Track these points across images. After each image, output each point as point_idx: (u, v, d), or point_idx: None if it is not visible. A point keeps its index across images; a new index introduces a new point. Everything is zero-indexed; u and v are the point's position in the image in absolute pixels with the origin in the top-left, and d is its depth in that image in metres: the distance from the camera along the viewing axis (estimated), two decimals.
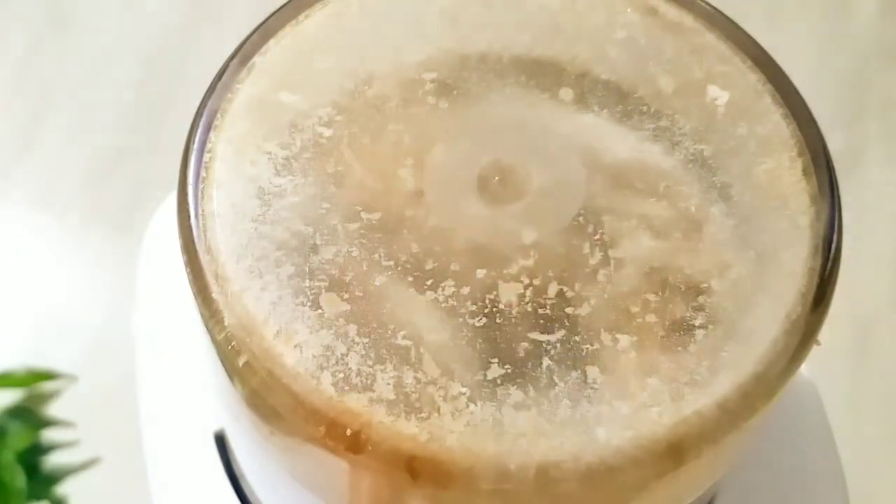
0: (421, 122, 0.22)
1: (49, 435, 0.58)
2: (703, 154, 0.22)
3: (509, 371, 0.19)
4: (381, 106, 0.22)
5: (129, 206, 0.63)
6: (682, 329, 0.20)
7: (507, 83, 0.23)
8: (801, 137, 0.22)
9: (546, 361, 0.19)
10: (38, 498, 0.56)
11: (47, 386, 0.59)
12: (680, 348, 0.20)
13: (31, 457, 0.57)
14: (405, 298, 0.20)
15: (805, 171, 0.22)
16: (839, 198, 0.21)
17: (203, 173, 0.21)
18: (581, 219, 0.21)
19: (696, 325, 0.20)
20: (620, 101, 0.22)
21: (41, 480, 0.56)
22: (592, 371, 0.19)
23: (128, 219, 0.63)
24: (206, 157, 0.21)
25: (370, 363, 0.19)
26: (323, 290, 0.20)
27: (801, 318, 0.20)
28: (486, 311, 0.20)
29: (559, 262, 0.20)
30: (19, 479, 0.55)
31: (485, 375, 0.19)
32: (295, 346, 0.19)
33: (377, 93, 0.22)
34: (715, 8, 0.24)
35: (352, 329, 0.20)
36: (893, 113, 0.67)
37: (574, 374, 0.19)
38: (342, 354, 0.19)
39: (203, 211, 0.21)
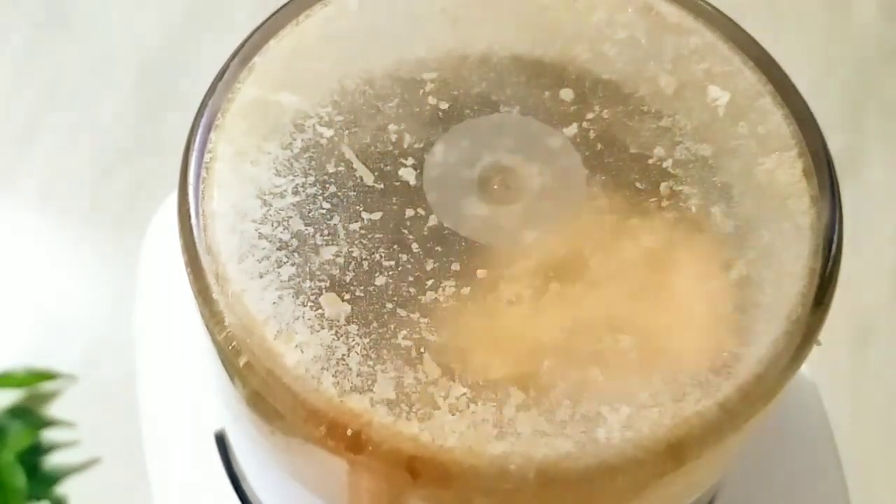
0: (421, 122, 0.22)
1: (49, 435, 0.58)
2: (703, 154, 0.22)
3: (510, 371, 0.19)
4: (381, 106, 0.22)
5: (129, 206, 0.63)
6: (682, 329, 0.20)
7: (507, 83, 0.23)
8: (802, 138, 0.22)
9: (547, 361, 0.19)
10: (38, 498, 0.56)
11: (47, 386, 0.59)
12: (680, 348, 0.20)
13: (31, 457, 0.57)
14: (405, 298, 0.20)
15: (805, 172, 0.22)
16: (839, 198, 0.21)
17: (204, 173, 0.21)
18: (581, 219, 0.21)
19: (697, 325, 0.20)
20: (621, 101, 0.22)
21: (41, 480, 0.56)
22: (593, 371, 0.19)
23: (128, 219, 0.63)
24: (207, 157, 0.21)
25: (371, 363, 0.19)
26: (323, 291, 0.20)
27: (802, 318, 0.20)
28: (486, 311, 0.20)
29: (559, 262, 0.20)
30: (19, 479, 0.55)
31: (485, 375, 0.19)
32: (295, 347, 0.19)
33: (377, 93, 0.22)
34: (715, 8, 0.24)
35: (352, 329, 0.20)
36: (893, 113, 0.67)
37: (575, 374, 0.19)
38: (343, 355, 0.19)
39: (204, 211, 0.21)
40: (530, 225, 0.21)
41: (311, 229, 0.21)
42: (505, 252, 0.21)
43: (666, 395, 0.19)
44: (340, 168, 0.21)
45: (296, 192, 0.21)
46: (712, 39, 0.23)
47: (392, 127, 0.22)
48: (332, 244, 0.20)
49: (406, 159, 0.22)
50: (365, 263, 0.20)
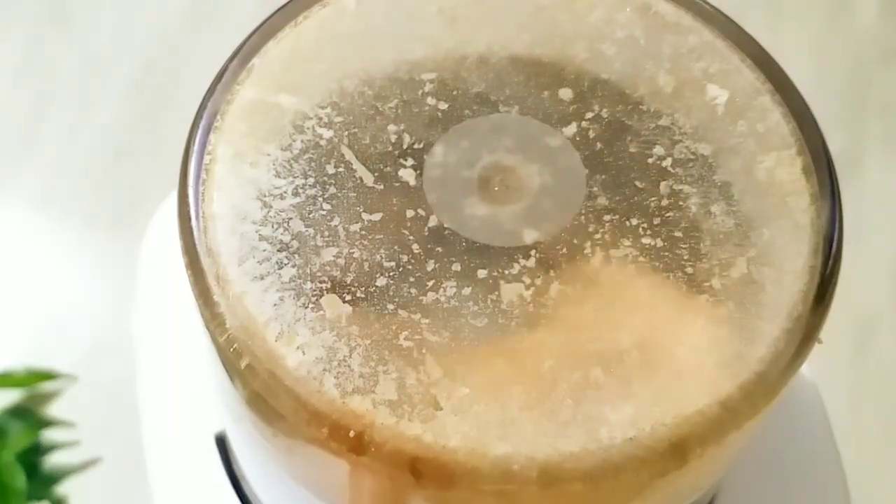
0: (421, 122, 0.22)
1: (49, 435, 0.58)
2: (703, 153, 0.22)
3: (512, 371, 0.19)
4: (381, 106, 0.22)
5: (129, 206, 0.63)
6: (683, 328, 0.20)
7: (506, 83, 0.23)
8: (801, 136, 0.22)
9: (548, 361, 0.19)
10: (38, 498, 0.56)
11: (47, 386, 0.59)
12: (681, 347, 0.20)
13: (31, 457, 0.57)
14: (406, 299, 0.20)
15: (805, 170, 0.22)
16: (839, 196, 0.21)
17: (203, 175, 0.21)
18: (582, 218, 0.21)
19: (698, 323, 0.20)
20: (620, 100, 0.22)
21: (41, 480, 0.56)
22: (595, 371, 0.19)
23: (128, 219, 0.63)
24: (207, 158, 0.21)
25: (372, 364, 0.19)
26: (324, 292, 0.20)
27: (803, 316, 0.20)
28: (487, 311, 0.20)
29: (560, 262, 0.20)
30: (19, 479, 0.55)
31: (487, 376, 0.19)
32: (297, 348, 0.19)
33: (377, 93, 0.22)
34: (714, 7, 0.24)
35: (354, 330, 0.20)
36: (893, 113, 0.67)
37: (576, 373, 0.19)
38: (344, 356, 0.19)
39: (204, 213, 0.21)
40: (531, 225, 0.21)
41: (311, 231, 0.21)
42: (505, 252, 0.21)
43: (667, 393, 0.19)
44: (340, 169, 0.21)
45: (296, 194, 0.21)
46: (711, 38, 0.23)
47: (391, 128, 0.22)
48: (333, 245, 0.20)
49: (406, 160, 0.22)
50: (365, 264, 0.20)
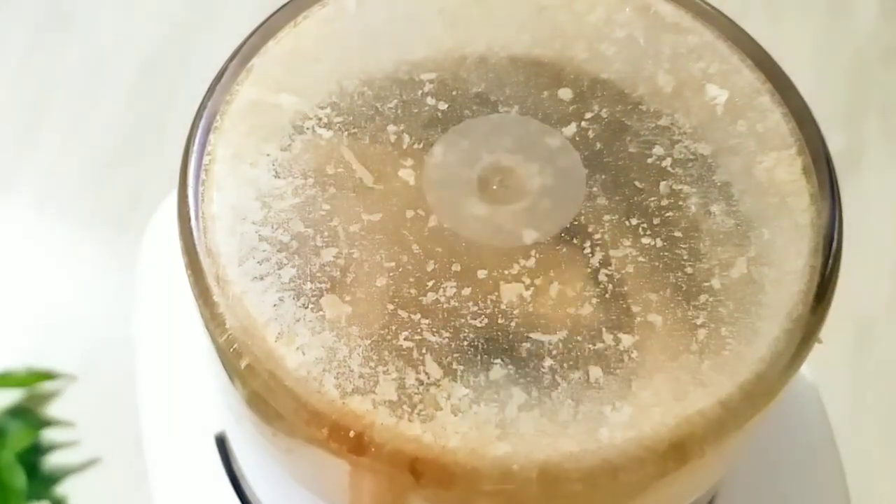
0: (421, 123, 0.22)
1: (49, 435, 0.58)
2: (702, 153, 0.22)
3: (511, 372, 0.19)
4: (380, 107, 0.22)
5: (129, 206, 0.63)
6: (683, 328, 0.20)
7: (505, 83, 0.23)
8: (801, 136, 0.22)
9: (548, 361, 0.19)
10: (38, 498, 0.56)
11: (47, 386, 0.59)
12: (681, 347, 0.20)
13: (31, 457, 0.57)
14: (406, 299, 0.20)
15: (805, 170, 0.22)
16: (839, 196, 0.21)
17: (203, 175, 0.21)
18: (582, 218, 0.21)
19: (698, 324, 0.20)
20: (620, 100, 0.22)
21: (41, 480, 0.56)
22: (594, 371, 0.19)
23: (128, 219, 0.62)
24: (206, 159, 0.21)
25: (372, 365, 0.19)
26: (324, 292, 0.20)
27: (803, 316, 0.20)
28: (487, 311, 0.20)
29: (560, 262, 0.20)
30: (19, 479, 0.55)
31: (487, 376, 0.19)
32: (297, 349, 0.19)
33: (377, 93, 0.22)
34: (714, 7, 0.24)
35: (353, 331, 0.20)
36: (893, 113, 0.67)
37: (576, 374, 0.19)
38: (344, 356, 0.19)
39: (203, 213, 0.21)
40: (530, 225, 0.21)
41: (311, 231, 0.21)
42: (505, 252, 0.21)
43: (668, 394, 0.19)
44: (340, 169, 0.21)
45: (295, 194, 0.21)
46: (710, 38, 0.23)
47: (391, 128, 0.22)
48: (333, 246, 0.20)
49: (405, 160, 0.22)
50: (365, 265, 0.20)
